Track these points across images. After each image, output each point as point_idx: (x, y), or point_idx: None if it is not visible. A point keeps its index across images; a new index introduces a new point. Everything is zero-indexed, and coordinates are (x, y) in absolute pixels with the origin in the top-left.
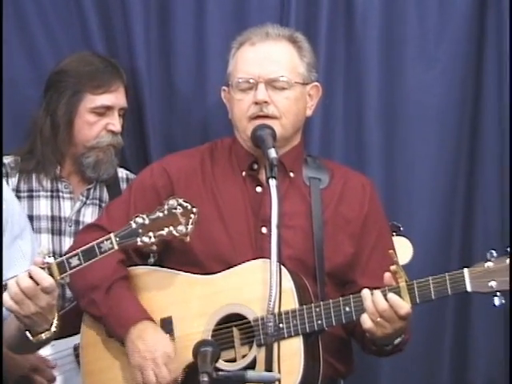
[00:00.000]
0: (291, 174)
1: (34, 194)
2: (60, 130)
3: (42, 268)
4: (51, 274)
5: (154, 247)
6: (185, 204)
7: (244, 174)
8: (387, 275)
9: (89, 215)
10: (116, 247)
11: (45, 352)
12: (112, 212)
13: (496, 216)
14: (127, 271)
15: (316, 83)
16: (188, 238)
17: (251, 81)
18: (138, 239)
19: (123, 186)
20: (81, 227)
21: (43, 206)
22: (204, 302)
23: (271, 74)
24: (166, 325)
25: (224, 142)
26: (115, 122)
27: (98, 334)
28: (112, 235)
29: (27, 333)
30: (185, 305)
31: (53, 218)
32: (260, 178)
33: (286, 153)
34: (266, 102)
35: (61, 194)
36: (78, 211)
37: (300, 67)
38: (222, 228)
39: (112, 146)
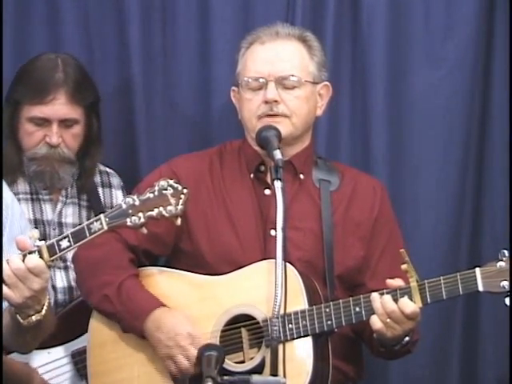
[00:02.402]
0: (301, 176)
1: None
2: (10, 136)
3: (33, 251)
4: (41, 257)
5: (144, 229)
6: (175, 185)
7: (252, 176)
8: (390, 282)
9: (70, 215)
10: (106, 228)
11: (42, 360)
12: None
13: (504, 218)
14: (138, 270)
15: (326, 82)
16: (179, 221)
17: (261, 80)
18: (128, 220)
19: (96, 179)
20: (64, 229)
21: (25, 210)
22: (212, 302)
23: (281, 73)
24: None
25: (233, 144)
26: (51, 135)
27: (106, 334)
28: (102, 216)
29: (17, 316)
30: (194, 305)
31: (36, 222)
32: (268, 181)
33: (296, 154)
34: (276, 101)
35: (40, 196)
36: (60, 213)
37: (310, 66)
38: (231, 230)
39: (52, 158)
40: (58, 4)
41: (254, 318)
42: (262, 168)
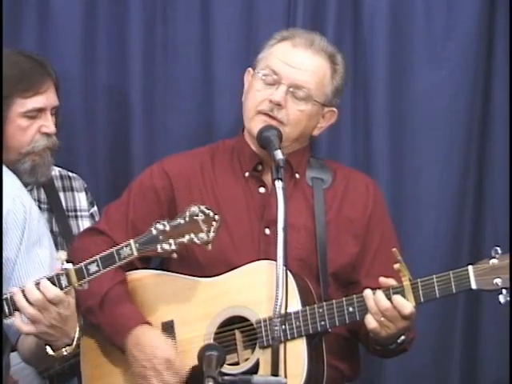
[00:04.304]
0: (297, 175)
1: None
2: None
3: (60, 274)
4: (69, 280)
5: (175, 255)
6: (207, 211)
7: (247, 174)
8: (382, 280)
9: None
10: (136, 254)
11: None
12: (111, 215)
13: (505, 220)
14: (125, 276)
15: (334, 109)
16: (210, 246)
17: (275, 77)
18: (159, 246)
19: (57, 183)
20: None
21: None
22: (206, 304)
23: (298, 81)
24: (168, 328)
25: (226, 143)
26: (49, 124)
27: (99, 339)
28: (132, 241)
29: (48, 348)
30: (186, 308)
31: None
32: (263, 179)
33: (292, 153)
34: (279, 105)
35: None
36: None
37: (327, 88)
38: (224, 230)
39: (48, 149)
40: (56, 1)
41: (247, 320)
42: (260, 167)
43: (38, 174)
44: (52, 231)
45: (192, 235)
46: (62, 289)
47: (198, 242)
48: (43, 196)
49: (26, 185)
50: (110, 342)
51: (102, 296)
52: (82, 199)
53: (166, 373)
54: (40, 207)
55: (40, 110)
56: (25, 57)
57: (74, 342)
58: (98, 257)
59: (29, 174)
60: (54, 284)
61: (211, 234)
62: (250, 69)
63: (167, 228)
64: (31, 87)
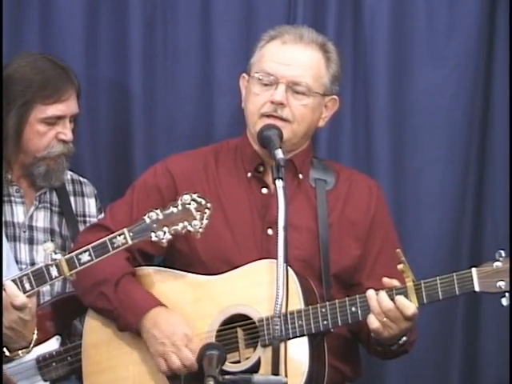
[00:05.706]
0: (300, 176)
1: None
2: (8, 140)
3: (50, 265)
4: (59, 271)
5: (165, 243)
6: (199, 199)
7: (249, 175)
8: (386, 280)
9: (41, 219)
10: (130, 242)
11: (6, 364)
12: (115, 212)
13: (506, 219)
14: (134, 269)
15: (335, 96)
16: (199, 235)
17: (272, 77)
18: (153, 234)
19: (69, 187)
20: (34, 232)
21: None
22: (208, 302)
23: (294, 78)
24: None
25: (230, 143)
26: (66, 132)
27: (101, 335)
28: (125, 230)
29: (5, 349)
30: (189, 305)
31: (6, 224)
32: (266, 180)
33: (296, 154)
34: (282, 104)
35: (12, 198)
36: (31, 216)
37: (324, 77)
38: (226, 229)
39: (63, 155)
40: (58, 1)
41: (249, 318)
42: (261, 168)
43: (51, 179)
44: (61, 234)
45: (185, 223)
46: (49, 281)
47: (191, 229)
48: (55, 199)
49: (39, 188)
50: (125, 325)
51: (115, 282)
52: (91, 205)
53: (184, 349)
54: (52, 210)
55: (59, 118)
56: (50, 63)
57: (31, 346)
58: (90, 246)
59: (42, 178)
60: (43, 276)
61: (204, 222)
62: (244, 74)
63: (160, 216)
64: (53, 95)
